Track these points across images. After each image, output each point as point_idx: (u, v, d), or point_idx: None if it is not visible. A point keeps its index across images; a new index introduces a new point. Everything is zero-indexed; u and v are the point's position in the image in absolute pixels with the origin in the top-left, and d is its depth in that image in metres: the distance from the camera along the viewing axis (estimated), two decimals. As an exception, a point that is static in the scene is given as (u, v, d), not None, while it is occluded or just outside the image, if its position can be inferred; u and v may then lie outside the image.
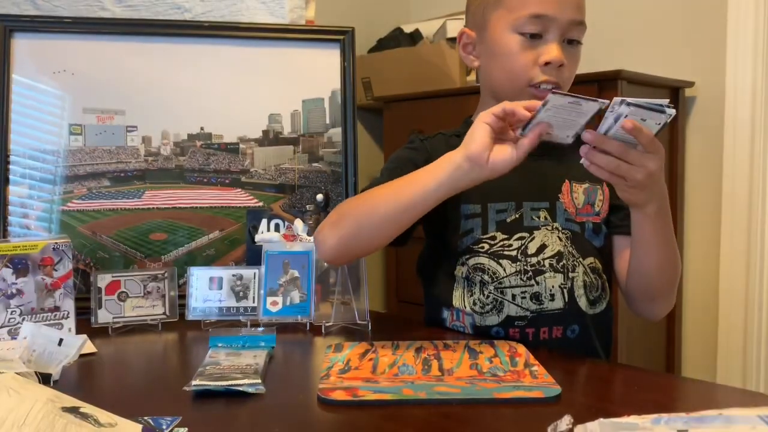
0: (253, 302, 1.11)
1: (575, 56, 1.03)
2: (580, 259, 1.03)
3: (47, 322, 0.99)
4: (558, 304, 1.00)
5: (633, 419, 0.59)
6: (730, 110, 1.94)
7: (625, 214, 0.98)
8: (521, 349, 0.90)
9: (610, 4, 2.15)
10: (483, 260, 1.02)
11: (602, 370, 0.91)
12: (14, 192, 1.26)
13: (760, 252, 1.91)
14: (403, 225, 0.94)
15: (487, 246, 1.02)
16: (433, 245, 1.11)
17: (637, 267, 1.00)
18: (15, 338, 0.95)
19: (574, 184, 1.06)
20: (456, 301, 1.05)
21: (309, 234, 1.18)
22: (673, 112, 0.77)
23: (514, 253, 1.01)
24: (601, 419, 0.59)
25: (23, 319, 0.98)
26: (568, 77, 1.03)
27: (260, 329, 0.99)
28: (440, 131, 1.13)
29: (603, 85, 1.75)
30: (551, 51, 0.98)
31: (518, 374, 0.80)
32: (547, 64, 0.99)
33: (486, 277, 1.01)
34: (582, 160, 0.84)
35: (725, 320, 1.97)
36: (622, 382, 0.86)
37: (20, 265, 0.99)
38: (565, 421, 0.59)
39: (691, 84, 2.00)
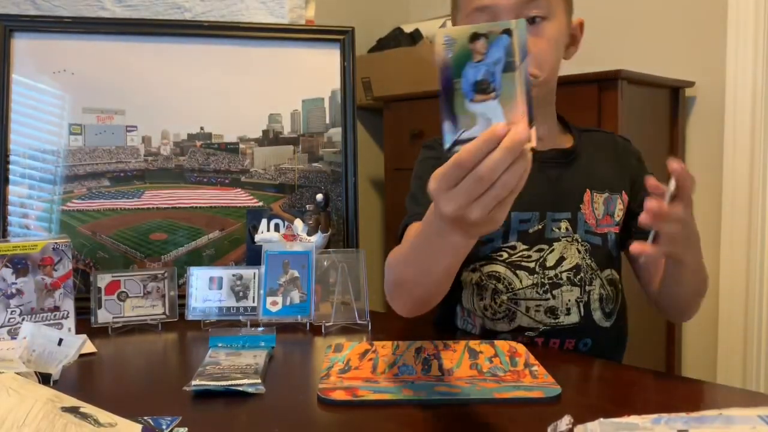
0: (253, 302, 1.11)
1: (540, 33, 0.94)
2: (598, 271, 1.01)
3: (47, 322, 0.99)
4: (574, 318, 0.99)
5: (633, 419, 0.59)
6: (730, 110, 1.93)
7: None
8: (521, 349, 0.90)
9: (610, 3, 2.15)
10: (499, 269, 1.00)
11: (602, 370, 0.91)
12: (14, 192, 1.26)
13: (760, 252, 1.91)
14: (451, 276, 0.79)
15: (506, 255, 1.00)
16: None
17: (669, 293, 0.96)
18: (15, 338, 0.95)
19: (595, 194, 1.03)
20: (465, 303, 1.04)
21: (309, 234, 1.18)
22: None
23: (532, 264, 0.99)
24: (601, 419, 0.59)
25: (23, 319, 0.98)
26: (538, 58, 0.94)
27: (260, 329, 0.99)
28: None
29: (603, 84, 1.74)
30: None
31: (518, 374, 0.80)
32: None
33: (501, 286, 0.99)
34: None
35: (725, 320, 1.97)
36: (622, 382, 0.86)
37: (20, 265, 0.99)
38: (565, 421, 0.59)
39: (691, 84, 2.00)
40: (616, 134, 1.17)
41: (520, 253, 1.00)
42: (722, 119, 1.95)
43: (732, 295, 1.95)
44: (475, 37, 0.56)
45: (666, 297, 0.99)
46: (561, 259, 0.99)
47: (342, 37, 1.39)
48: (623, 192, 1.05)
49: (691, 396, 0.83)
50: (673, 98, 1.98)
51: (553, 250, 1.00)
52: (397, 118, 2.25)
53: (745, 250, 1.92)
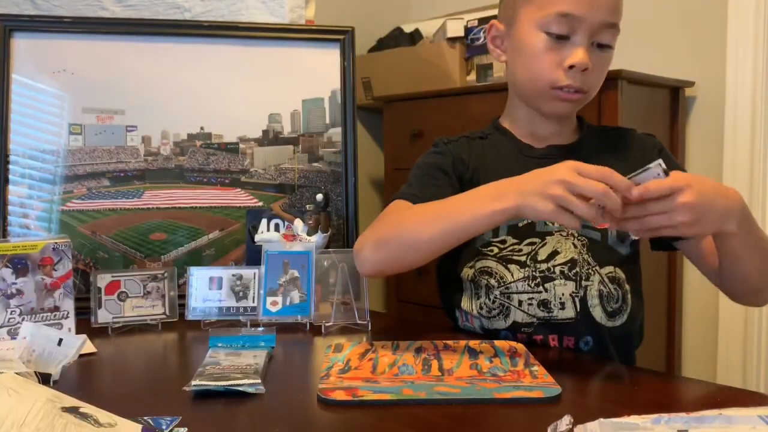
0: (253, 302, 1.11)
1: (604, 61, 1.00)
2: (597, 267, 0.99)
3: (47, 322, 0.99)
4: (569, 313, 0.97)
5: (633, 419, 0.59)
6: (730, 110, 1.93)
7: None
8: (521, 349, 0.90)
9: (610, 3, 2.14)
10: (491, 263, 1.00)
11: (602, 370, 0.91)
12: (14, 192, 1.26)
13: (760, 252, 1.91)
14: (447, 249, 0.90)
15: (496, 249, 1.00)
16: None
17: (730, 275, 0.95)
18: (15, 338, 0.94)
19: None
20: (464, 304, 1.04)
21: (309, 234, 1.18)
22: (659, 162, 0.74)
23: (523, 258, 0.99)
24: (601, 419, 0.59)
25: (23, 319, 0.98)
26: (594, 83, 1.00)
27: (260, 329, 0.99)
28: (463, 134, 1.10)
29: (603, 84, 1.74)
30: (577, 54, 0.95)
31: (518, 374, 0.80)
32: (571, 67, 0.96)
33: (493, 281, 0.99)
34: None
35: (725, 320, 1.97)
36: (622, 382, 0.86)
37: (20, 265, 0.99)
38: (565, 421, 0.59)
39: (691, 84, 2.00)
40: (637, 131, 1.14)
41: (511, 247, 1.00)
42: (722, 119, 1.95)
43: (732, 295, 1.95)
44: None
45: (729, 276, 0.96)
46: (554, 253, 0.99)
47: (342, 37, 1.39)
48: None
49: (691, 396, 0.83)
50: (673, 98, 1.98)
51: (545, 243, 0.99)
52: (397, 118, 2.25)
53: (745, 249, 1.92)
